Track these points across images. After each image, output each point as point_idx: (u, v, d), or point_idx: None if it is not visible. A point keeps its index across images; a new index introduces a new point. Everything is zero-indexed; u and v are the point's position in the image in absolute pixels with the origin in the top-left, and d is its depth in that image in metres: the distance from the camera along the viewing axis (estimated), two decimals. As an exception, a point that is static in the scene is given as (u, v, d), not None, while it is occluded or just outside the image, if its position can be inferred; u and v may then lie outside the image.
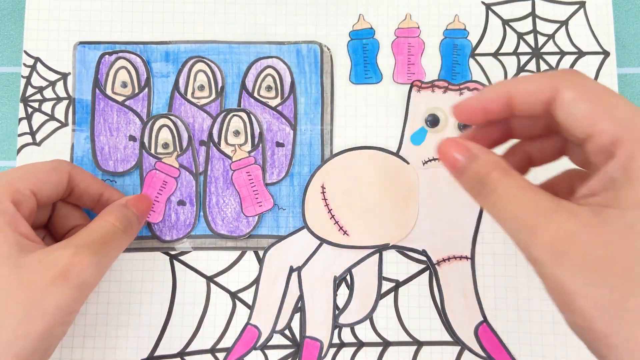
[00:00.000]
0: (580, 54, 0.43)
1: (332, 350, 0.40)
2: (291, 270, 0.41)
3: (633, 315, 0.23)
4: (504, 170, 0.27)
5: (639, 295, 0.23)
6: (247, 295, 0.41)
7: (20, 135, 0.42)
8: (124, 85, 0.42)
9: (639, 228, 0.24)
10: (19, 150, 0.42)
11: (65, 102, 0.42)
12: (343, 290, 0.41)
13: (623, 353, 0.24)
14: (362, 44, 0.43)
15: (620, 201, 0.24)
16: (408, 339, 0.40)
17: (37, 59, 0.43)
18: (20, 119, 0.42)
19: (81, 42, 0.43)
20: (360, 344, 0.40)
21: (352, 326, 0.41)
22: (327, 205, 0.41)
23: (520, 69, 0.43)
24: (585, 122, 0.25)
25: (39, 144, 0.42)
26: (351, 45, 0.43)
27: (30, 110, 0.42)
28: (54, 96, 0.42)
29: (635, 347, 0.23)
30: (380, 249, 0.41)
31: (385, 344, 0.40)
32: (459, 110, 0.29)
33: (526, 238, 0.26)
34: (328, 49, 0.43)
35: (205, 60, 0.43)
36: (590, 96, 0.25)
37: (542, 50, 0.43)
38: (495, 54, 0.43)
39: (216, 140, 0.42)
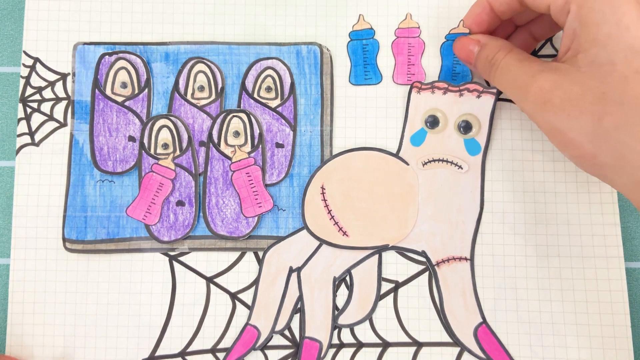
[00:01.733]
0: (579, 55, 0.43)
1: (332, 351, 0.40)
2: (291, 270, 0.41)
3: (609, 132, 0.29)
4: (506, 49, 0.35)
5: (611, 113, 0.29)
6: (247, 296, 0.41)
7: (19, 135, 0.42)
8: (124, 85, 0.42)
9: (601, 60, 0.29)
10: (17, 151, 0.42)
11: (65, 102, 0.42)
12: (342, 291, 0.41)
13: (611, 167, 0.30)
14: (362, 45, 0.43)
15: (582, 45, 0.30)
16: (407, 339, 0.41)
17: (36, 59, 0.43)
18: (19, 119, 0.42)
19: (81, 43, 0.43)
20: (359, 345, 0.41)
21: (351, 327, 0.41)
22: (326, 206, 0.41)
23: (520, 70, 0.43)
24: (539, 1, 0.33)
25: (37, 144, 0.42)
26: (351, 46, 0.43)
27: (29, 110, 0.42)
28: (53, 96, 0.42)
29: (618, 160, 0.29)
30: (379, 250, 0.41)
31: (385, 345, 0.41)
32: (465, 25, 0.39)
33: (520, 95, 0.33)
34: (328, 50, 0.43)
35: (205, 61, 0.42)
36: None
37: (539, 53, 0.43)
38: (495, 55, 0.43)
39: (216, 141, 0.42)
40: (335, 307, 0.41)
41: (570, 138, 0.31)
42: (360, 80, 0.43)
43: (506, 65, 0.34)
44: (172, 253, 0.41)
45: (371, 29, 0.43)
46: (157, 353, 0.41)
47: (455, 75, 0.42)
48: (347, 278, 0.41)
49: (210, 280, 0.41)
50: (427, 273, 0.41)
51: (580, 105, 0.30)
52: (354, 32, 0.43)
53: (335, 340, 0.40)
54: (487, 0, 0.37)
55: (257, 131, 0.42)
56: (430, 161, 0.41)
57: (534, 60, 0.33)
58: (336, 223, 0.41)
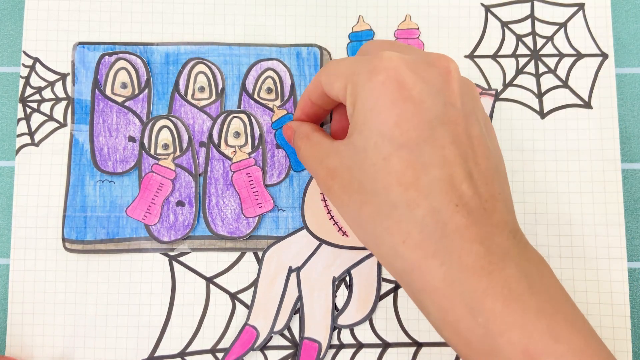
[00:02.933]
0: (579, 56, 0.43)
1: (331, 352, 0.40)
2: (290, 270, 0.41)
3: (366, 222, 0.28)
4: (305, 137, 0.35)
5: (368, 203, 0.28)
6: (247, 296, 0.41)
7: (18, 135, 0.42)
8: (124, 86, 0.42)
9: (359, 146, 0.29)
10: (17, 151, 0.42)
11: (64, 102, 0.42)
12: (342, 291, 0.41)
13: (375, 255, 0.30)
14: None
15: (351, 129, 0.30)
16: (407, 340, 0.41)
17: (36, 59, 0.43)
18: (19, 120, 0.42)
19: (81, 43, 0.43)
20: (359, 345, 0.41)
21: (351, 327, 0.41)
22: (326, 206, 0.41)
23: (519, 70, 0.43)
24: (333, 91, 0.32)
25: (37, 145, 0.42)
26: (351, 47, 0.43)
27: (28, 110, 0.42)
28: (53, 97, 0.42)
29: (377, 251, 0.29)
30: (379, 250, 0.41)
31: (385, 345, 0.41)
32: (296, 118, 0.39)
33: (316, 180, 0.33)
34: (328, 52, 0.43)
35: (205, 61, 0.43)
36: (329, 70, 0.33)
37: (540, 52, 0.43)
38: (494, 56, 0.43)
39: (216, 141, 0.42)
40: (334, 307, 0.41)
41: (348, 223, 0.31)
42: None
43: (303, 152, 0.35)
44: (171, 253, 0.41)
45: (371, 30, 0.43)
46: (157, 353, 0.40)
47: None
48: (347, 278, 0.41)
49: (210, 280, 0.41)
50: (426, 273, 0.41)
51: (347, 194, 0.29)
52: (354, 33, 0.43)
53: (334, 341, 0.40)
54: (307, 96, 0.36)
55: (257, 132, 0.42)
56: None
57: (324, 143, 0.33)
58: (336, 223, 0.41)
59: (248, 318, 0.41)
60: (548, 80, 0.43)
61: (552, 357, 0.25)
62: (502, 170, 0.31)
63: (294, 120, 0.38)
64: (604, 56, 0.43)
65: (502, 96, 0.43)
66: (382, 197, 0.27)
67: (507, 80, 0.43)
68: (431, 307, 0.27)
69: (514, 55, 0.43)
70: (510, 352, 0.25)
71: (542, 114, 0.43)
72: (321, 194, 0.41)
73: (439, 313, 0.27)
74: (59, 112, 0.42)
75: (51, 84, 0.42)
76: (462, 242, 0.26)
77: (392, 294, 0.41)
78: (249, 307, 0.41)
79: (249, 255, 0.41)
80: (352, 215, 0.30)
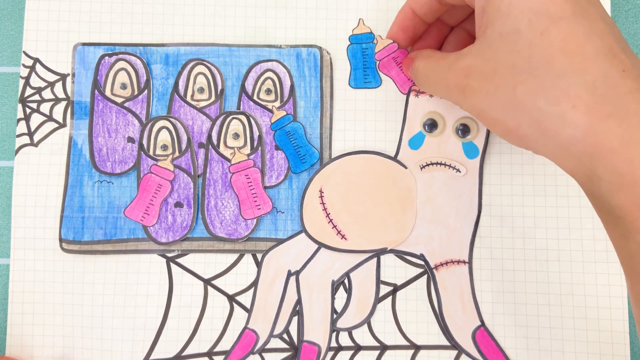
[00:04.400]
0: (578, 60, 0.43)
1: (330, 354, 0.40)
2: (289, 274, 0.41)
3: (524, 100, 0.28)
4: (426, 57, 0.35)
5: (523, 82, 0.28)
6: (245, 299, 0.41)
7: (18, 135, 0.42)
8: (124, 86, 0.42)
9: (507, 30, 0.29)
10: (17, 151, 0.42)
11: (64, 103, 0.42)
12: (341, 294, 0.41)
13: (534, 137, 0.29)
14: (362, 49, 0.43)
15: (489, 19, 0.30)
16: (405, 343, 0.40)
17: (36, 60, 0.43)
18: (19, 120, 0.42)
19: (81, 43, 0.43)
20: (357, 348, 0.40)
21: (349, 330, 0.41)
22: (325, 209, 0.41)
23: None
24: None
25: (36, 145, 0.42)
26: (351, 50, 0.43)
27: (28, 111, 0.42)
28: (53, 97, 0.42)
29: (537, 128, 0.28)
30: (378, 253, 0.41)
31: (383, 348, 0.40)
32: (390, 36, 0.40)
33: (444, 91, 0.33)
34: (328, 53, 0.43)
35: (205, 62, 0.43)
36: None
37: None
38: (494, 60, 0.43)
39: (215, 142, 0.42)
40: (333, 310, 0.41)
41: (492, 117, 0.30)
42: (359, 84, 0.43)
43: (426, 71, 0.35)
44: (169, 254, 0.41)
45: (371, 33, 0.43)
46: (152, 357, 0.40)
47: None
48: (346, 281, 0.41)
49: (207, 282, 0.41)
50: (425, 276, 0.41)
51: (494, 82, 0.29)
52: (354, 35, 0.43)
53: (333, 344, 0.40)
54: (409, 6, 0.36)
55: (256, 133, 0.42)
56: (428, 164, 0.41)
57: (449, 54, 0.33)
58: (334, 226, 0.41)
59: (247, 322, 0.41)
60: (547, 84, 0.43)
61: None
62: None
63: (387, 36, 0.39)
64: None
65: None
66: (542, 70, 0.28)
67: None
68: (605, 172, 0.27)
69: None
70: None
71: (542, 118, 0.43)
72: (320, 197, 0.41)
73: (615, 177, 0.26)
74: (58, 112, 0.42)
75: (51, 85, 0.42)
76: (637, 105, 0.26)
77: (390, 297, 0.41)
78: (249, 311, 0.41)
79: (248, 257, 0.41)
80: (503, 102, 0.29)
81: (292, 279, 0.41)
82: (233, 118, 0.42)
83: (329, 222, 0.41)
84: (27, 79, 0.42)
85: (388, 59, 0.42)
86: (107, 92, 0.42)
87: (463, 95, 0.31)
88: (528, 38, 0.28)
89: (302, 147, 0.42)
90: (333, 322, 0.40)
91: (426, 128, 0.42)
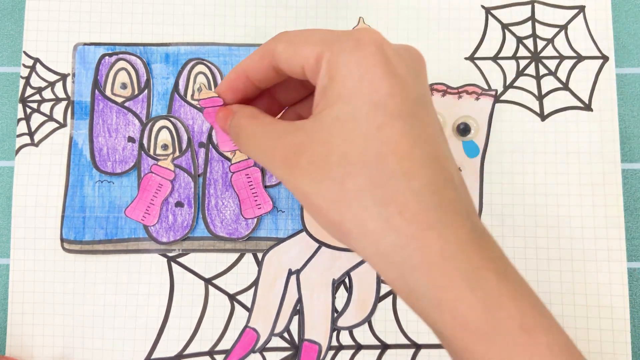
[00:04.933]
0: (580, 58, 0.43)
1: (331, 353, 0.40)
2: (290, 273, 0.41)
3: (352, 195, 0.26)
4: (252, 116, 0.32)
5: (354, 175, 0.26)
6: (246, 298, 0.41)
7: (18, 135, 0.42)
8: (124, 86, 0.42)
9: (345, 116, 0.27)
10: (17, 151, 0.42)
11: (64, 102, 0.42)
12: (342, 293, 0.41)
13: (355, 236, 0.27)
14: None
15: (328, 100, 0.27)
16: (406, 341, 0.40)
17: (36, 60, 0.43)
18: (19, 120, 0.42)
19: (81, 43, 0.43)
20: (358, 347, 0.40)
21: (350, 329, 0.41)
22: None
23: (520, 73, 0.43)
24: (296, 58, 0.29)
25: (37, 145, 0.42)
26: None
27: (28, 110, 0.42)
28: (53, 97, 0.42)
29: (361, 228, 0.26)
30: (379, 252, 0.41)
31: (384, 347, 0.40)
32: (218, 91, 0.34)
33: (267, 160, 0.30)
34: (328, 52, 0.43)
35: (205, 62, 0.42)
36: (293, 39, 0.30)
37: (541, 55, 0.43)
38: (495, 58, 0.43)
39: (216, 142, 0.42)
40: (334, 309, 0.41)
41: (318, 204, 0.27)
42: None
43: (251, 131, 0.31)
44: (170, 254, 0.41)
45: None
46: (154, 356, 0.40)
47: None
48: (346, 280, 0.41)
49: (208, 281, 0.41)
50: (426, 275, 0.41)
51: (324, 168, 0.27)
52: None
53: (334, 343, 0.40)
54: (243, 70, 0.33)
55: (256, 132, 0.42)
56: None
57: (279, 122, 0.30)
58: (335, 225, 0.41)
59: (248, 320, 0.41)
60: (548, 83, 0.43)
61: (543, 330, 0.25)
62: None
63: (216, 91, 0.34)
64: (605, 59, 0.43)
65: (502, 98, 0.42)
66: (374, 167, 0.26)
67: (508, 82, 0.43)
68: (426, 287, 0.26)
69: (515, 57, 0.43)
70: (509, 326, 0.25)
71: (543, 116, 0.43)
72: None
73: (435, 291, 0.26)
74: (58, 112, 0.42)
75: (51, 85, 0.42)
76: (455, 215, 0.26)
77: (391, 296, 0.41)
78: (249, 310, 0.41)
79: (248, 257, 0.41)
80: (330, 192, 0.27)
81: (293, 278, 0.41)
82: (233, 117, 0.42)
83: (329, 221, 0.41)
84: (28, 78, 0.42)
85: (213, 109, 0.40)
86: (108, 92, 0.42)
87: (290, 173, 0.28)
88: (364, 129, 0.26)
89: None
90: (334, 321, 0.40)
91: (427, 127, 0.41)
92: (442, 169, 0.27)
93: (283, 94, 0.35)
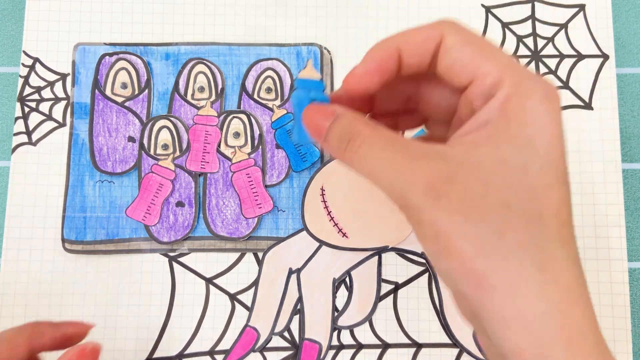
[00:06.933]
0: (580, 56, 0.43)
1: (331, 352, 0.40)
2: (290, 272, 0.41)
3: (510, 249, 0.23)
4: (369, 124, 0.26)
5: (517, 229, 0.23)
6: (247, 297, 0.41)
7: (15, 134, 0.42)
8: (124, 86, 0.42)
9: (514, 163, 0.24)
10: (13, 150, 0.42)
11: (64, 102, 0.42)
12: (342, 293, 0.41)
13: (499, 293, 0.24)
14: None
15: (494, 138, 0.24)
16: (407, 341, 0.40)
17: (36, 59, 0.43)
18: (16, 118, 0.42)
19: (81, 43, 0.43)
20: (359, 346, 0.40)
21: (351, 328, 0.41)
22: (326, 207, 0.41)
23: (520, 72, 0.43)
24: (470, 65, 0.25)
25: (34, 144, 0.42)
26: (295, 95, 0.42)
27: (26, 109, 0.42)
28: (52, 96, 0.42)
29: (512, 287, 0.23)
30: (379, 251, 0.41)
31: (385, 346, 0.40)
32: (354, 76, 0.27)
33: (402, 185, 0.25)
34: (328, 51, 0.43)
35: (205, 61, 0.42)
36: (473, 41, 0.26)
37: (541, 53, 0.43)
38: (495, 57, 0.43)
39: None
40: (335, 308, 0.41)
41: (459, 248, 0.24)
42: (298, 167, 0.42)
43: (376, 142, 0.26)
44: (171, 254, 0.41)
45: (321, 80, 0.42)
46: (155, 355, 0.40)
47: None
48: (347, 279, 0.41)
49: (209, 281, 0.41)
50: (426, 274, 0.41)
51: (482, 209, 0.24)
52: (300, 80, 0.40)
53: (334, 342, 0.40)
54: (397, 45, 0.27)
55: (257, 132, 0.42)
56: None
57: (410, 140, 0.26)
58: (336, 224, 0.41)
59: (249, 319, 0.41)
60: (548, 81, 0.43)
61: None
62: None
63: (355, 71, 0.27)
64: (605, 57, 0.43)
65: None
66: (536, 226, 0.24)
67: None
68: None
69: (515, 56, 0.43)
70: None
71: (543, 115, 0.42)
72: (321, 195, 0.41)
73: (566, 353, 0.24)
74: (58, 111, 0.42)
75: (51, 84, 0.42)
76: (587, 292, 0.25)
77: (392, 295, 0.41)
78: (250, 309, 0.41)
79: (249, 256, 0.41)
80: (482, 240, 0.24)
81: (293, 277, 0.41)
82: (233, 117, 0.42)
83: (330, 220, 0.41)
84: (26, 78, 0.42)
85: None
86: (108, 92, 0.42)
87: (434, 205, 0.24)
88: (534, 184, 0.24)
89: (302, 146, 0.42)
90: (334, 320, 0.40)
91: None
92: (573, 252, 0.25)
93: (385, 98, 0.31)
